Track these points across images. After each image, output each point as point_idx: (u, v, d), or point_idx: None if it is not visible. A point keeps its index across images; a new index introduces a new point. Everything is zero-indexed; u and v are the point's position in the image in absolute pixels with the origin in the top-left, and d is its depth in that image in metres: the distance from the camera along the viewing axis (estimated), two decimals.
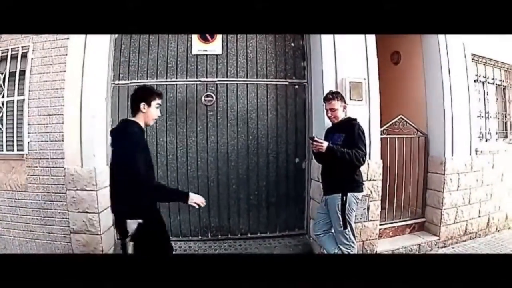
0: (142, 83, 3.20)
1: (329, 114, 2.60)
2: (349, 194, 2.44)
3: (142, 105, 2.01)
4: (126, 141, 1.95)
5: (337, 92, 2.69)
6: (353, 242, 2.50)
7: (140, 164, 1.91)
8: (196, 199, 2.08)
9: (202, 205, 2.12)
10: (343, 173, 2.45)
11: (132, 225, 1.92)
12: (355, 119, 2.59)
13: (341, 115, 2.58)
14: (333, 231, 2.60)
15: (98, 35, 3.02)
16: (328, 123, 2.81)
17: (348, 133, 2.46)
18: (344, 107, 2.61)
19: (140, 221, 1.93)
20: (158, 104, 2.08)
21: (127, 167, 1.91)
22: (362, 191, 2.59)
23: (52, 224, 3.04)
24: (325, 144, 2.38)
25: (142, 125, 2.05)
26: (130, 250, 1.97)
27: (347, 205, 2.43)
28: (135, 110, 2.04)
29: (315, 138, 2.45)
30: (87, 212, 2.96)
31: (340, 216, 2.44)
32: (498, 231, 4.05)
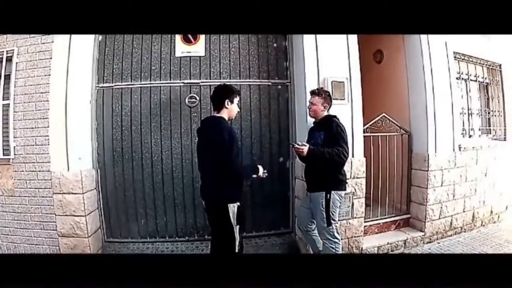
0: (125, 86, 3.25)
1: (309, 106, 2.67)
2: (332, 192, 2.48)
3: (226, 102, 2.24)
4: (225, 136, 2.12)
5: (324, 90, 2.72)
6: (337, 239, 2.53)
7: (237, 157, 2.17)
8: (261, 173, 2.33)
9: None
10: (326, 171, 2.48)
11: (233, 208, 2.17)
12: (334, 116, 2.61)
13: (320, 113, 2.62)
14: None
15: (82, 38, 3.04)
16: (310, 123, 2.85)
17: (327, 131, 2.50)
18: (325, 107, 2.62)
19: (239, 203, 2.20)
20: (238, 101, 2.35)
21: (230, 160, 2.12)
22: (345, 189, 2.63)
23: (40, 228, 3.04)
24: (305, 148, 2.41)
25: (227, 119, 2.29)
26: (237, 233, 2.19)
27: (331, 203, 2.47)
28: (220, 107, 2.26)
29: (295, 146, 2.48)
30: (74, 215, 2.97)
31: (324, 213, 2.47)
32: (483, 225, 4.12)
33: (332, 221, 2.49)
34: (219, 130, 2.17)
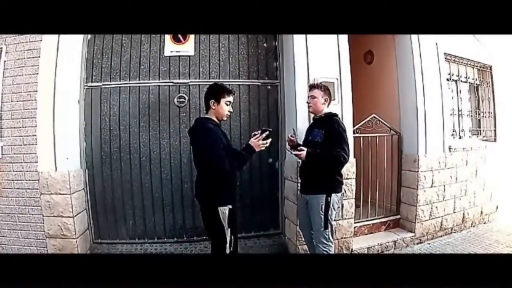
0: (114, 85, 3.22)
1: (308, 101, 2.54)
2: (333, 195, 2.39)
3: (211, 102, 2.19)
4: (202, 136, 2.13)
5: (323, 84, 2.61)
6: (331, 242, 2.46)
7: (219, 153, 2.07)
8: (261, 144, 2.19)
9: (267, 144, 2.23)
10: (326, 174, 2.40)
11: (224, 211, 2.13)
12: (336, 115, 2.52)
13: (321, 107, 2.48)
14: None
15: (71, 37, 3.01)
16: (300, 123, 2.84)
17: (327, 129, 2.39)
18: (326, 100, 2.51)
19: (230, 206, 2.16)
20: (228, 101, 2.23)
21: (210, 159, 2.08)
22: (342, 190, 2.56)
23: (27, 229, 3.00)
24: (303, 153, 2.33)
25: (216, 120, 2.22)
26: (228, 235, 2.15)
27: (330, 206, 2.38)
28: (207, 107, 2.25)
29: (293, 152, 2.40)
30: (62, 216, 2.92)
31: (322, 217, 2.38)
32: (474, 226, 4.14)
33: (329, 224, 2.41)
34: (198, 132, 2.18)
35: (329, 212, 2.38)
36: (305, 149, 2.35)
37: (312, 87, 2.56)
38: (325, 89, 2.52)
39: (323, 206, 2.37)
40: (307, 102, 2.57)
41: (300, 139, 2.66)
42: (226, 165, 2.10)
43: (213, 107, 2.20)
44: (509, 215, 4.53)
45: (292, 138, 2.52)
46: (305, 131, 2.67)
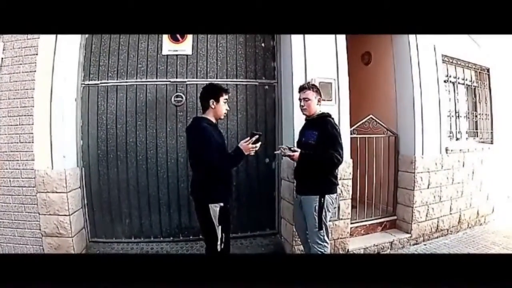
0: (111, 84, 3.21)
1: (302, 104, 2.47)
2: (326, 196, 2.38)
3: (211, 101, 2.22)
4: (197, 134, 2.16)
5: (314, 84, 2.60)
6: (326, 243, 2.45)
7: (212, 152, 2.10)
8: (251, 148, 2.21)
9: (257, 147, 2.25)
10: (320, 175, 2.39)
11: (214, 208, 2.15)
12: (329, 115, 2.49)
13: (314, 108, 2.46)
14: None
15: (68, 35, 3.01)
16: (297, 123, 2.83)
17: (321, 130, 2.37)
18: (319, 100, 2.49)
19: (222, 204, 2.18)
20: (225, 99, 2.28)
21: (202, 158, 2.13)
22: (336, 191, 2.56)
23: (23, 228, 2.98)
24: (296, 154, 2.33)
25: (213, 120, 2.26)
26: (219, 233, 2.18)
27: (324, 207, 2.38)
28: (205, 107, 2.26)
29: (287, 153, 2.37)
30: (58, 215, 2.91)
31: (316, 217, 2.38)
32: (470, 227, 4.15)
33: (323, 225, 2.40)
34: (194, 131, 2.21)
35: (323, 214, 2.38)
36: (298, 150, 2.36)
37: (303, 88, 2.50)
38: (317, 89, 2.51)
39: (317, 207, 2.37)
40: (301, 105, 2.51)
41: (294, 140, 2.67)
42: (219, 163, 2.14)
43: (213, 106, 2.23)
44: (505, 217, 4.55)
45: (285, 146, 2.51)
46: (299, 132, 2.66)
